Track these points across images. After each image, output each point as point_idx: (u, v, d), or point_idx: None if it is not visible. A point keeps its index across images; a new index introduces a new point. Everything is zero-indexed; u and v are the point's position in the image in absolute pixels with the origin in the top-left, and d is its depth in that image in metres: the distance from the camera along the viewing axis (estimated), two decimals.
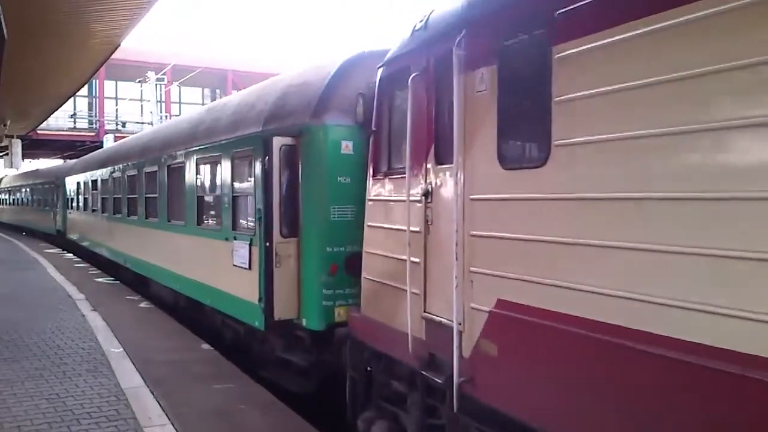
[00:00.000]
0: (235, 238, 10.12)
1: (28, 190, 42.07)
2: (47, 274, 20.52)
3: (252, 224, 9.59)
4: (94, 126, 49.99)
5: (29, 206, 41.08)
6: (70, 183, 27.99)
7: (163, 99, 48.16)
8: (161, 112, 45.13)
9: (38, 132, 42.78)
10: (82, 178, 25.27)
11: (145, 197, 15.83)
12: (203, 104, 44.07)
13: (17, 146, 45.67)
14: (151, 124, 40.31)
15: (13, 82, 19.56)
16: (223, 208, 10.81)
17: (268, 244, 8.56)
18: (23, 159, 51.44)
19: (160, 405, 7.82)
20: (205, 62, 43.84)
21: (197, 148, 12.03)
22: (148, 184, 15.61)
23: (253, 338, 10.41)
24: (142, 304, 15.21)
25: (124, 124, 46.85)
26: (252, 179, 9.63)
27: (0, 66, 14.29)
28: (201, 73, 41.40)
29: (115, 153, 20.83)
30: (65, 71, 22.77)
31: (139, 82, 42.78)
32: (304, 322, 8.42)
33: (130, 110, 49.76)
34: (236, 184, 10.41)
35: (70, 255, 27.26)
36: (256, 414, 7.70)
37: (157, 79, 41.78)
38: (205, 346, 11.04)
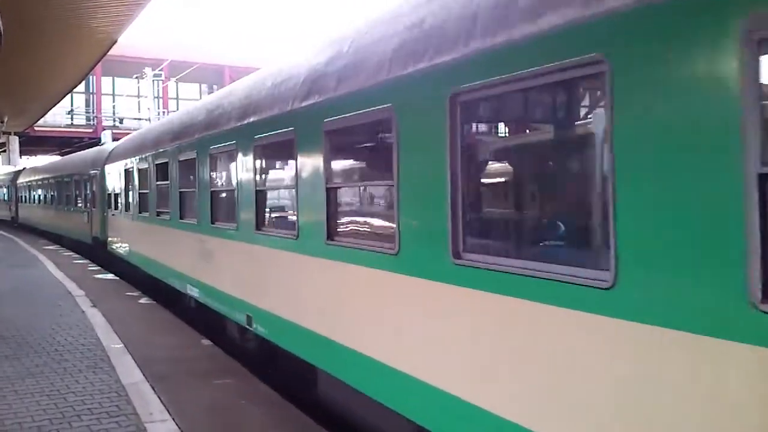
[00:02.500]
0: None
1: (53, 184, 33.64)
2: (47, 271, 20.48)
3: None
4: (91, 122, 49.99)
5: (55, 206, 33.10)
6: (113, 172, 20.77)
7: (161, 95, 48.10)
8: (159, 108, 45.06)
9: (35, 129, 42.85)
10: (133, 163, 17.26)
11: (292, 189, 7.87)
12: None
13: (15, 143, 45.66)
14: (149, 120, 40.30)
15: (10, 79, 19.53)
16: None
17: None
18: (21, 156, 51.44)
19: (161, 400, 7.81)
20: (202, 58, 43.80)
21: None
22: (327, 160, 7.03)
23: None
24: (142, 300, 15.20)
25: (121, 120, 46.80)
26: None
27: None
28: (198, 69, 41.37)
29: (209, 113, 11.36)
30: (62, 68, 22.77)
31: (137, 78, 42.82)
32: None
33: (127, 106, 49.71)
34: None
35: (69, 252, 27.17)
36: (258, 409, 7.70)
37: (154, 75, 41.76)
38: (206, 341, 11.03)
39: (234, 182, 9.72)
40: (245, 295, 9.44)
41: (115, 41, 20.41)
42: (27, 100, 27.97)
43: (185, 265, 12.72)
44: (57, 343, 10.60)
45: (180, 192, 12.85)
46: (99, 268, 21.46)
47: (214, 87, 51.59)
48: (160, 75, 42.85)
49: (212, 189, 10.86)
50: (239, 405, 7.84)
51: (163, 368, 9.27)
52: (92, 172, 24.46)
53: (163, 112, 46.01)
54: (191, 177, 11.96)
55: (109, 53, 22.31)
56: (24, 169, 46.66)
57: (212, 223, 10.82)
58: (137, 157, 16.78)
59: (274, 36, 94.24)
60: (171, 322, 12.80)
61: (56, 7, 15.68)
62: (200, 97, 49.65)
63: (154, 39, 46.35)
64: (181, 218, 12.79)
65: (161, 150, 14.18)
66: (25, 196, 43.72)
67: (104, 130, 43.77)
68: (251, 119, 9.10)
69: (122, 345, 10.53)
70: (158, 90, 45.63)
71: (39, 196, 38.46)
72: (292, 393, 8.50)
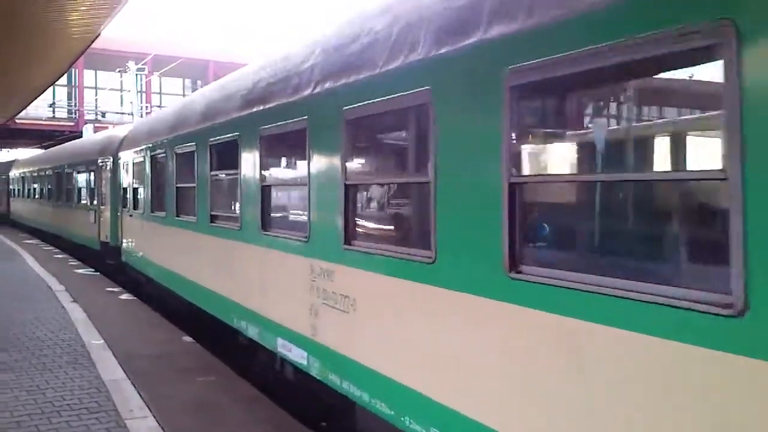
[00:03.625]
0: None
1: (52, 176, 28.80)
2: (26, 266, 20.30)
3: None
4: (73, 116, 49.50)
5: (53, 202, 28.61)
6: (131, 161, 16.39)
7: (144, 89, 47.76)
8: (141, 103, 44.76)
9: (16, 121, 42.30)
10: (163, 148, 13.10)
11: None
12: (184, 95, 43.81)
13: None
14: (132, 114, 39.99)
15: None
16: None
17: None
18: (0, 148, 50.85)
19: (141, 397, 7.79)
20: (186, 52, 43.53)
21: None
22: None
23: None
24: (123, 296, 15.11)
25: (103, 114, 46.37)
26: None
27: None
28: (182, 64, 41.08)
29: (335, 52, 6.85)
30: (44, 61, 22.52)
31: (119, 71, 42.43)
32: None
33: (109, 100, 49.29)
34: None
35: (50, 246, 26.84)
36: (238, 407, 7.69)
37: (138, 69, 41.44)
38: (187, 338, 10.99)
39: (431, 171, 5.15)
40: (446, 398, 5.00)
41: (98, 35, 20.20)
42: (8, 93, 27.59)
43: (275, 308, 8.11)
44: (37, 339, 10.52)
45: (263, 187, 8.36)
46: (79, 262, 21.27)
47: (198, 82, 51.26)
48: (144, 69, 42.54)
49: (347, 181, 6.41)
50: (221, 402, 7.83)
51: (144, 365, 9.24)
52: (101, 161, 20.30)
53: (146, 107, 45.67)
54: (291, 162, 8.26)
55: (91, 46, 22.09)
56: (17, 159, 44.51)
57: (347, 243, 6.37)
58: (169, 138, 12.52)
59: (259, 31, 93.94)
60: (152, 318, 12.74)
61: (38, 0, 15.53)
62: (184, 93, 49.33)
63: (138, 33, 46.02)
64: (264, 229, 8.34)
65: (219, 123, 9.80)
66: (20, 190, 39.10)
67: (86, 123, 43.38)
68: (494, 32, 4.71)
69: (103, 341, 10.48)
70: (141, 84, 45.31)
71: (36, 190, 33.56)
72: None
